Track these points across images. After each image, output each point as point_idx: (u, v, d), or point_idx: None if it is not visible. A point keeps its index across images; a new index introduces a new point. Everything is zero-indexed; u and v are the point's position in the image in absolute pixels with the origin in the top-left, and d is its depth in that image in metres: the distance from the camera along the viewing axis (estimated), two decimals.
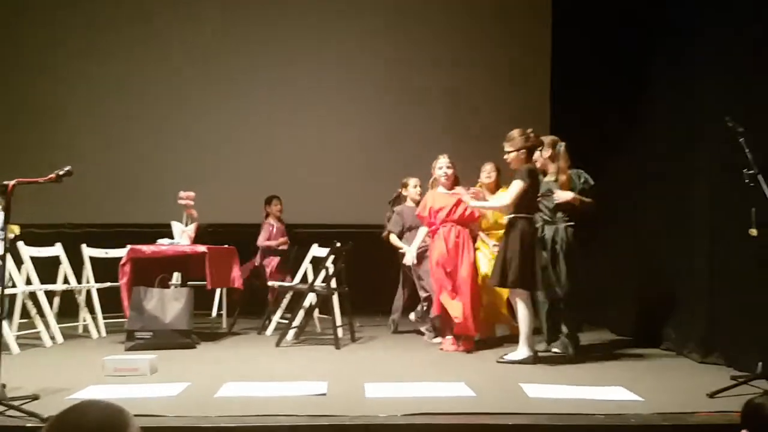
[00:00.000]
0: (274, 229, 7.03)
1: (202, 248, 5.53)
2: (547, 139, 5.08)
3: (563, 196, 4.87)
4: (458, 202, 5.26)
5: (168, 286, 5.75)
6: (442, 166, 5.45)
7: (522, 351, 4.62)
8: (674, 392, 3.70)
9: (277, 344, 5.38)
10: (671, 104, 5.46)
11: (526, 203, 4.71)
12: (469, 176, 5.77)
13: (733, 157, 4.21)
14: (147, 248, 5.58)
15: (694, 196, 5.00)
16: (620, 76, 6.30)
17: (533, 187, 4.72)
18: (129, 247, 5.62)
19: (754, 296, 3.97)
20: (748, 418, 1.92)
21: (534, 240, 4.71)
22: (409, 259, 5.65)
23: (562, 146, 5.01)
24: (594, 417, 3.12)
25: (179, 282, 6.09)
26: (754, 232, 3.78)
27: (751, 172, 3.76)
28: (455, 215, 5.30)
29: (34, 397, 3.38)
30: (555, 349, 5.03)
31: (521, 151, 4.73)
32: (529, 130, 4.78)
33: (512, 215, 4.72)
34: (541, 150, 4.98)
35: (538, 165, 5.03)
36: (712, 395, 3.53)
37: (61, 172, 3.58)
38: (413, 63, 8.01)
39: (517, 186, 4.67)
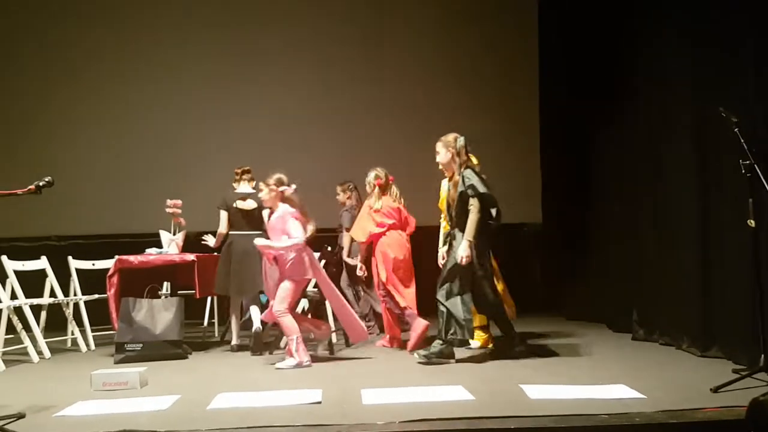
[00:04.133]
0: None
1: (191, 257, 5.43)
2: (450, 136, 4.84)
3: (461, 253, 4.58)
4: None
5: (158, 296, 5.65)
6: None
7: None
8: (676, 388, 3.63)
9: (270, 352, 5.29)
10: (655, 92, 5.42)
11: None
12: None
13: (725, 146, 4.19)
14: (135, 258, 5.47)
15: (683, 186, 4.95)
16: (606, 62, 6.29)
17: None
18: (116, 257, 5.51)
19: (751, 288, 3.90)
20: (754, 417, 1.86)
21: (230, 251, 5.51)
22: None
23: (461, 140, 4.80)
24: (598, 417, 3.04)
25: (169, 291, 5.98)
26: (752, 223, 3.72)
27: (747, 162, 3.71)
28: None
29: (20, 416, 3.26)
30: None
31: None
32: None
33: None
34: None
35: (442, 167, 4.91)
36: (716, 390, 3.47)
37: (41, 183, 3.48)
38: (393, 41, 7.98)
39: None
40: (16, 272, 5.49)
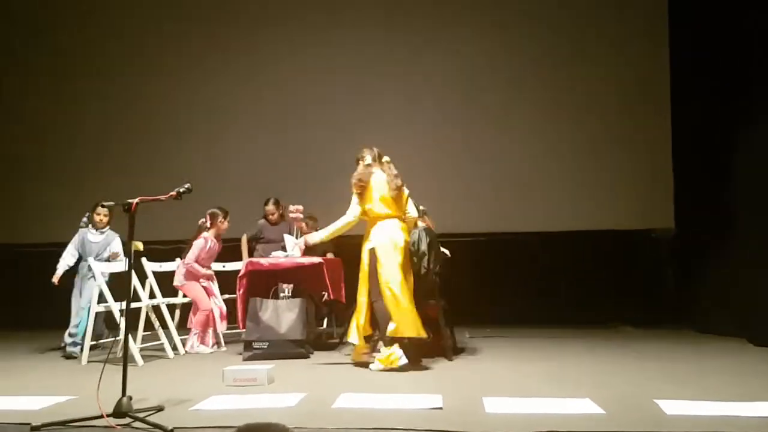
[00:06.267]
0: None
1: (317, 259, 5.57)
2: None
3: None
4: None
5: (278, 297, 5.83)
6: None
7: None
8: None
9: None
10: None
11: None
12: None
13: None
14: (265, 261, 5.69)
15: None
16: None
17: None
18: (246, 260, 5.74)
19: None
20: None
21: None
22: None
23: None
24: None
25: (290, 293, 6.16)
26: None
27: None
28: None
29: (159, 409, 3.46)
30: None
31: None
32: None
33: None
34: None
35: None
36: None
37: (181, 189, 3.69)
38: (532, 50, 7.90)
39: None
40: (154, 273, 5.86)
